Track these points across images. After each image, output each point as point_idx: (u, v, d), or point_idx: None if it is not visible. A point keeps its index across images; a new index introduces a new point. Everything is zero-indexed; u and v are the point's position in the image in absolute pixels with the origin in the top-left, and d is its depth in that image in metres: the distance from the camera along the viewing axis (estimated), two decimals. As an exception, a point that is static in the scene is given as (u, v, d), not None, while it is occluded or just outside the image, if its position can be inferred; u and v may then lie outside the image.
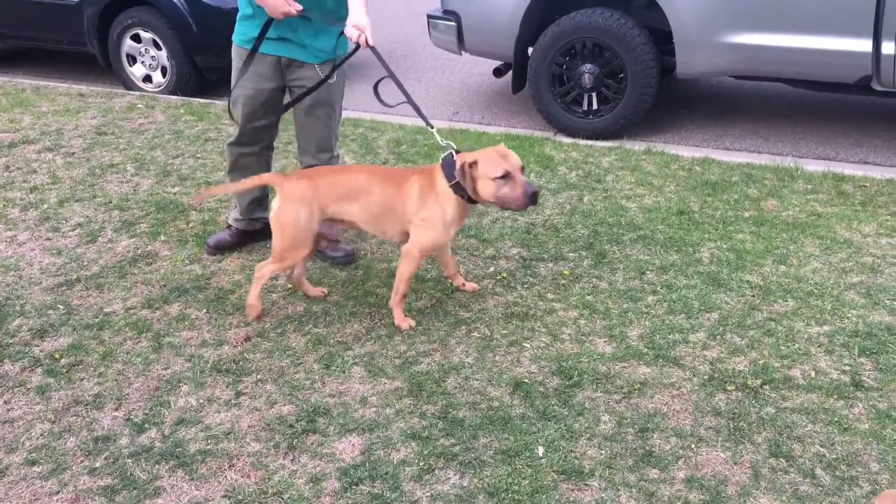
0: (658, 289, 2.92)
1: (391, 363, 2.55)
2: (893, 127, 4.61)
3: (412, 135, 4.51)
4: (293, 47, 2.86)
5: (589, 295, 2.90)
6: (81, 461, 2.16)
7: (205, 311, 2.85)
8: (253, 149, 3.06)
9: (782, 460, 2.11)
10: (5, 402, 2.40)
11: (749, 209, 3.52)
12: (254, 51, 2.85)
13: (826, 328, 2.66)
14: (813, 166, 3.97)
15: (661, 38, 4.39)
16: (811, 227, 3.32)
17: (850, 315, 2.72)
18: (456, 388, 2.43)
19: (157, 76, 5.53)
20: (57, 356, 2.59)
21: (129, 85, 5.59)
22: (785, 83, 4.59)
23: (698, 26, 4.25)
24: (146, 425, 2.29)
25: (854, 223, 3.36)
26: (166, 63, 5.42)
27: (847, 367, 2.46)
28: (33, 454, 2.19)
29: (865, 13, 3.95)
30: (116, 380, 2.48)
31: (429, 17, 4.99)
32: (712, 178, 3.86)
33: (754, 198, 3.63)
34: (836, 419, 2.25)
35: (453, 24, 4.79)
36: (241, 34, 2.91)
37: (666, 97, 5.02)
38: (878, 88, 4.14)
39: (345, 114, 5.05)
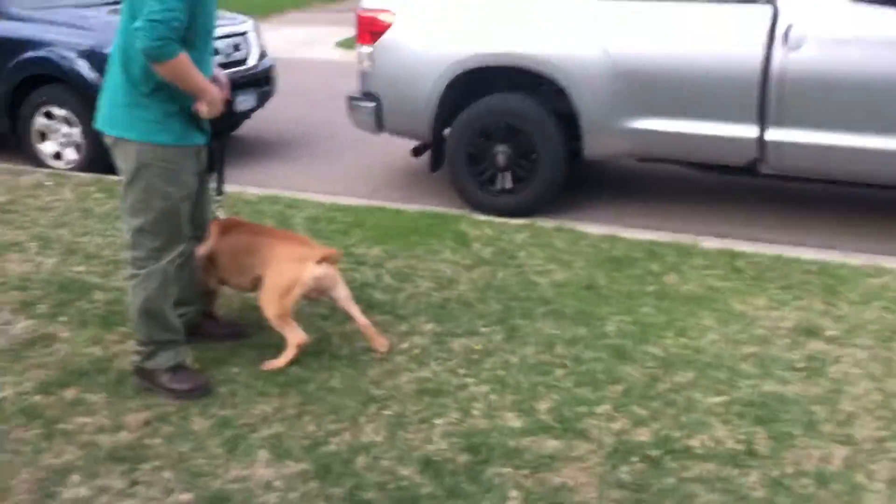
0: (566, 362, 2.99)
1: (299, 444, 2.50)
2: (782, 206, 4.96)
3: (330, 212, 4.56)
4: (206, 133, 2.84)
5: (500, 369, 2.94)
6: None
7: (103, 394, 2.73)
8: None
9: (683, 531, 2.16)
10: None
11: (652, 283, 3.68)
12: (205, 143, 2.73)
13: (723, 398, 2.77)
14: (709, 243, 4.20)
15: (570, 122, 4.65)
16: (708, 301, 3.50)
17: (744, 385, 2.85)
18: (365, 468, 2.40)
19: (69, 153, 5.42)
20: (-64, 447, 2.43)
21: (38, 162, 5.46)
22: (682, 166, 4.91)
23: (602, 113, 4.52)
24: (30, 520, 2.16)
25: (747, 297, 3.56)
26: (80, 140, 5.34)
27: (742, 436, 2.56)
28: None
29: (750, 102, 4.30)
30: (1, 472, 2.33)
31: (349, 98, 5.13)
32: (618, 254, 4.03)
33: (656, 273, 3.81)
34: (732, 488, 2.32)
35: (373, 105, 4.94)
36: (170, 132, 2.59)
37: (577, 177, 5.26)
38: (765, 171, 4.47)
39: (263, 190, 5.09)
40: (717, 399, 2.76)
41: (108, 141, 2.65)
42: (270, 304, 2.91)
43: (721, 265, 3.92)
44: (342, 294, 3.03)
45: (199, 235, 2.99)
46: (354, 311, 3.05)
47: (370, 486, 2.31)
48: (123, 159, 2.61)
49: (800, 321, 3.34)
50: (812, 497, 2.29)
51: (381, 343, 3.04)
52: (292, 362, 2.92)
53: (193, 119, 2.62)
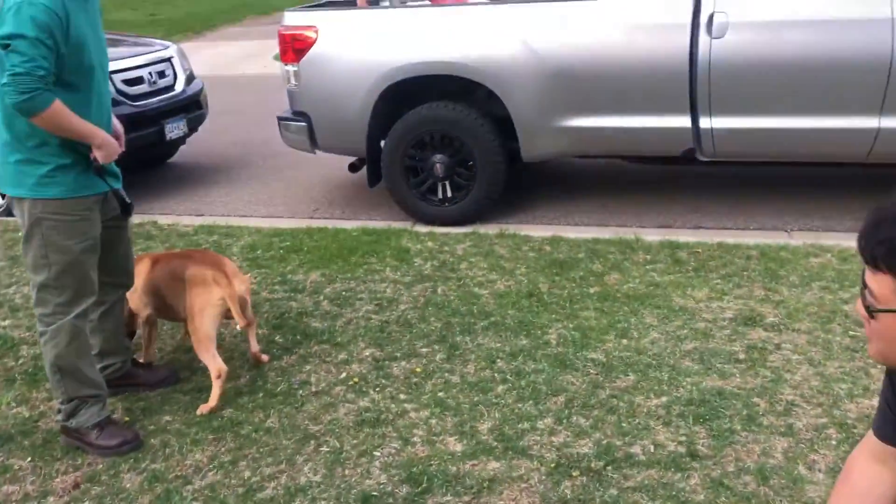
0: (508, 377, 2.95)
1: (234, 493, 2.42)
2: (723, 192, 4.98)
3: (268, 238, 4.46)
4: (113, 177, 2.73)
5: (441, 391, 2.89)
6: None
7: (29, 459, 2.62)
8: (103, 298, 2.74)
9: (625, 545, 2.13)
10: None
11: (594, 285, 3.66)
12: (110, 188, 2.61)
13: (664, 399, 2.75)
14: (651, 236, 4.20)
15: (506, 125, 4.61)
16: (650, 298, 3.49)
17: (685, 384, 2.83)
18: (302, 511, 2.33)
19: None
20: None
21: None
22: (621, 159, 4.90)
23: (535, 113, 4.49)
24: None
25: (688, 290, 3.55)
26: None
27: (683, 438, 2.54)
28: None
29: (681, 92, 4.30)
30: (-83, 555, 2.22)
31: (279, 119, 5.03)
32: (560, 256, 4.01)
33: (599, 273, 3.78)
34: (673, 493, 2.30)
35: (304, 124, 4.85)
36: (62, 185, 2.46)
37: (519, 180, 5.23)
38: (702, 158, 4.49)
39: (198, 220, 4.98)
40: (659, 401, 2.74)
41: (8, 200, 2.54)
42: (192, 329, 2.90)
43: (663, 258, 3.91)
44: (249, 315, 3.02)
45: (123, 283, 2.89)
46: (252, 336, 3.08)
47: (308, 530, 2.25)
48: (19, 215, 2.50)
49: (741, 310, 3.34)
50: (753, 495, 2.28)
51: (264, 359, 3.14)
52: (223, 401, 2.84)
53: (92, 167, 2.52)
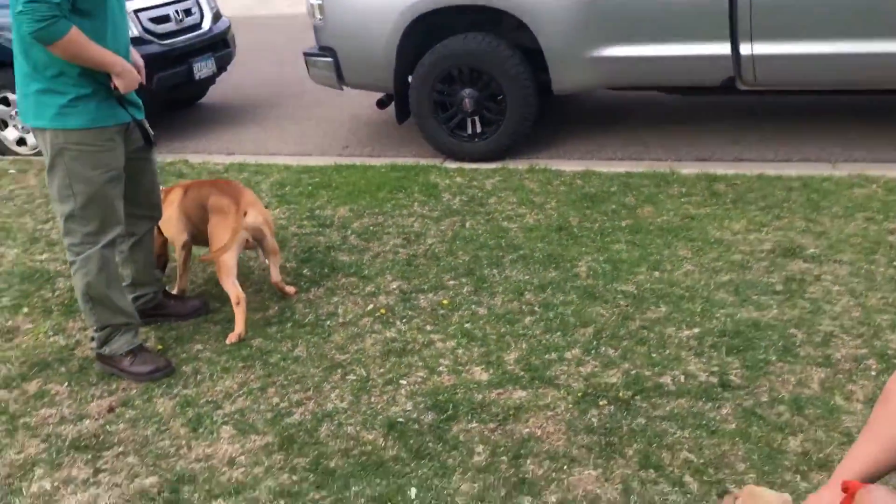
0: (536, 308, 2.91)
1: (262, 418, 2.45)
2: (764, 123, 4.79)
3: (297, 175, 4.44)
4: (135, 108, 2.71)
5: (467, 322, 2.87)
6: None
7: (66, 384, 2.69)
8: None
9: (652, 471, 2.10)
10: None
11: (626, 218, 3.57)
12: (133, 119, 2.59)
13: (696, 330, 2.69)
14: (688, 169, 4.07)
15: (537, 57, 4.46)
16: (684, 231, 3.39)
17: (718, 315, 2.76)
18: (329, 436, 2.35)
19: (32, 138, 5.30)
20: None
21: (2, 149, 5.35)
22: (657, 91, 4.73)
23: (567, 44, 4.33)
24: (-8, 519, 2.13)
25: (725, 222, 3.44)
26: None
27: (715, 368, 2.49)
28: None
29: (721, 18, 4.10)
30: (-37, 472, 2.31)
31: (305, 55, 4.95)
32: (592, 190, 3.91)
33: (631, 206, 3.69)
34: (703, 422, 2.26)
35: (330, 60, 4.76)
36: (83, 115, 2.45)
37: (550, 113, 5.10)
38: (743, 88, 4.30)
39: (228, 158, 4.97)
40: (691, 332, 2.68)
41: (31, 131, 2.55)
42: (214, 257, 2.91)
43: (699, 191, 3.79)
44: (270, 245, 3.02)
45: (152, 215, 2.91)
46: (274, 266, 3.07)
47: (335, 453, 2.27)
48: (43, 147, 2.51)
49: (780, 242, 3.23)
50: (787, 424, 2.22)
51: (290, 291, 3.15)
52: (252, 331, 2.87)
53: (113, 96, 2.49)
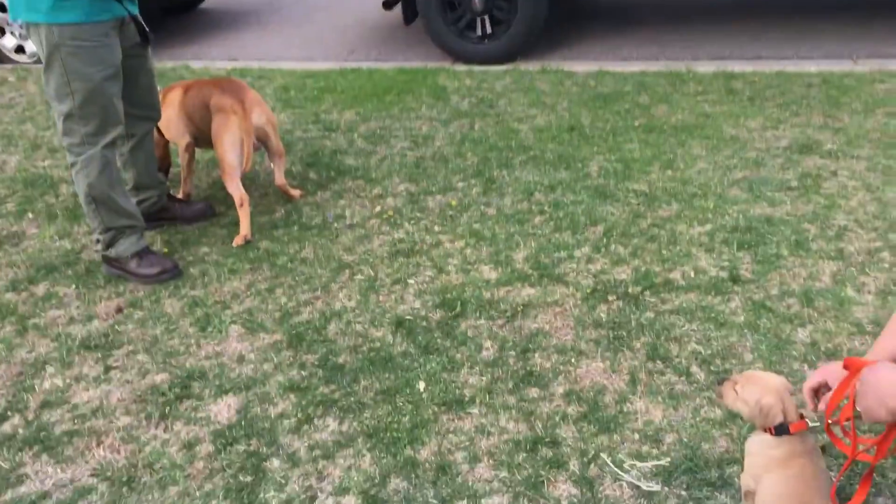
0: (545, 208, 2.86)
1: (271, 317, 2.46)
2: (784, 20, 4.58)
3: (301, 79, 4.33)
4: (129, 1, 2.60)
5: (476, 223, 2.83)
6: (-62, 459, 2.04)
7: (73, 287, 2.70)
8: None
9: (659, 363, 2.10)
10: None
11: (639, 118, 3.46)
12: (128, 14, 2.50)
13: (707, 227, 2.64)
14: (704, 67, 3.92)
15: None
16: (699, 129, 3.29)
17: (731, 211, 2.70)
18: (337, 333, 2.36)
19: (31, 45, 5.18)
20: (-86, 354, 2.44)
21: (1, 57, 5.24)
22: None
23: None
24: (9, 413, 2.17)
25: (741, 119, 3.33)
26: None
27: (726, 263, 2.45)
28: None
29: None
30: (-23, 370, 2.35)
31: (307, -48, 4.73)
32: (605, 90, 3.79)
33: (645, 105, 3.57)
34: (712, 315, 2.24)
35: (333, -43, 4.55)
36: (77, 9, 2.37)
37: (563, 14, 4.89)
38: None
39: (230, 63, 4.85)
40: (702, 229, 2.63)
41: (23, 28, 2.45)
42: (217, 157, 2.87)
43: (715, 89, 3.66)
44: (275, 146, 2.97)
45: (150, 116, 2.84)
46: (279, 168, 3.02)
47: (343, 350, 2.28)
48: (37, 44, 2.42)
49: (796, 138, 3.14)
50: (796, 316, 2.20)
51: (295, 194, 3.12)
52: (259, 234, 2.85)
53: None
